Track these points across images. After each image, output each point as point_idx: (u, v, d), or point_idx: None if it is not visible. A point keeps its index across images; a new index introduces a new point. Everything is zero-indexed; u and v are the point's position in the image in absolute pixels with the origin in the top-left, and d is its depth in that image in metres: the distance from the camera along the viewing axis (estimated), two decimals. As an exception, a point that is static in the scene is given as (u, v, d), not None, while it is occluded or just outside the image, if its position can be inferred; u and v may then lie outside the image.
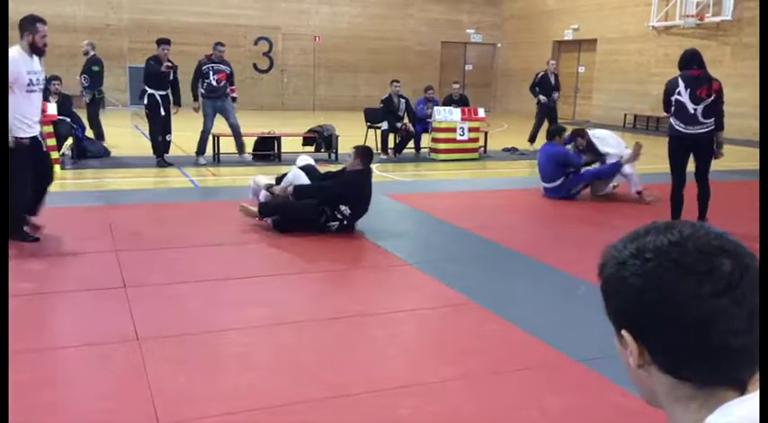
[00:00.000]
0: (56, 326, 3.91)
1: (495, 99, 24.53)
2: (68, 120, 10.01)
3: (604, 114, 19.65)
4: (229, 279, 4.85)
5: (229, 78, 10.41)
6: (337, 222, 6.07)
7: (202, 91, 10.29)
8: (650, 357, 0.90)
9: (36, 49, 5.50)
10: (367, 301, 4.61)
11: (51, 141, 9.37)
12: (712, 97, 6.12)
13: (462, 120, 11.59)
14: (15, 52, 5.41)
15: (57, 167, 9.34)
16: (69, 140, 10.13)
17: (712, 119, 6.18)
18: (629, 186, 8.07)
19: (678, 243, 0.87)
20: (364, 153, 6.27)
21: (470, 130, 11.68)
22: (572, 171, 8.03)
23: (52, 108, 9.47)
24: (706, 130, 6.21)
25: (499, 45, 24.63)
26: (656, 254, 0.87)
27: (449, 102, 12.63)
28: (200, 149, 10.27)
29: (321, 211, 6.02)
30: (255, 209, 6.34)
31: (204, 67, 10.22)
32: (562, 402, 3.18)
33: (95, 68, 11.44)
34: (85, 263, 5.13)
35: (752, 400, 0.84)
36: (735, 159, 12.37)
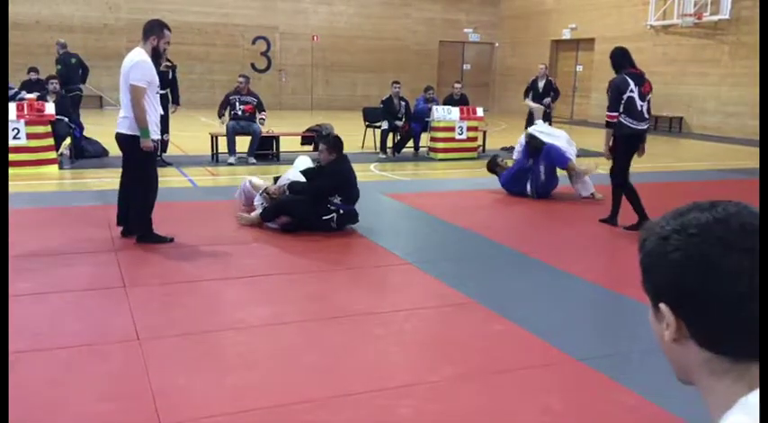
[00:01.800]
0: (56, 326, 3.89)
1: (493, 98, 24.53)
2: (66, 119, 9.99)
3: (602, 113, 19.65)
4: (229, 278, 4.85)
5: (257, 107, 10.57)
6: (333, 214, 6.12)
7: (228, 115, 10.45)
8: (688, 332, 0.91)
9: (157, 54, 5.60)
10: (367, 300, 4.61)
11: (49, 141, 9.39)
12: (650, 94, 6.39)
13: (461, 119, 11.60)
14: (146, 56, 5.45)
15: (55, 167, 9.36)
16: (67, 140, 10.11)
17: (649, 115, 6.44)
18: (578, 190, 8.10)
19: (722, 220, 0.88)
20: (335, 144, 6.29)
21: (469, 129, 11.70)
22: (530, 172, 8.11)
23: (50, 108, 9.46)
24: (648, 125, 6.47)
25: (497, 44, 24.63)
26: (701, 230, 0.88)
27: (449, 101, 12.65)
28: (229, 150, 10.35)
29: (315, 206, 6.11)
30: (252, 215, 6.39)
31: (231, 98, 10.45)
32: (564, 401, 3.17)
33: (73, 61, 12.48)
34: (85, 263, 5.12)
35: None
36: (733, 158, 12.40)
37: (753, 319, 0.86)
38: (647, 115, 6.35)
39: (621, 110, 6.28)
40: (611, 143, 6.57)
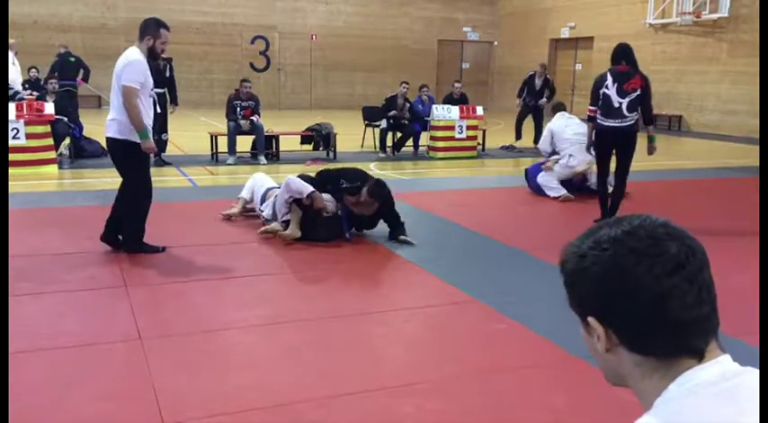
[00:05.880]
0: (56, 325, 3.88)
1: (491, 97, 24.52)
2: (65, 119, 9.97)
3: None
4: (230, 278, 4.84)
5: (254, 109, 10.61)
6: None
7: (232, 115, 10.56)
8: (617, 339, 0.99)
9: (154, 54, 5.29)
10: (369, 299, 4.60)
11: (48, 141, 9.37)
12: (638, 92, 6.27)
13: (461, 118, 11.59)
14: (140, 55, 5.13)
15: (54, 167, 9.35)
16: (67, 140, 10.09)
17: (635, 113, 6.31)
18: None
19: (630, 232, 0.97)
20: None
21: (468, 128, 11.69)
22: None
23: (49, 108, 9.44)
24: (627, 123, 6.34)
25: (496, 43, 24.62)
26: (612, 243, 0.97)
27: (449, 100, 12.63)
28: (229, 150, 10.33)
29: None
30: (275, 226, 5.89)
31: (233, 103, 10.54)
32: (567, 399, 3.17)
33: (72, 59, 13.53)
34: (85, 263, 5.10)
35: (711, 367, 0.95)
36: (732, 156, 12.40)
37: (671, 319, 0.94)
38: (626, 113, 6.28)
39: (599, 105, 6.36)
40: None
